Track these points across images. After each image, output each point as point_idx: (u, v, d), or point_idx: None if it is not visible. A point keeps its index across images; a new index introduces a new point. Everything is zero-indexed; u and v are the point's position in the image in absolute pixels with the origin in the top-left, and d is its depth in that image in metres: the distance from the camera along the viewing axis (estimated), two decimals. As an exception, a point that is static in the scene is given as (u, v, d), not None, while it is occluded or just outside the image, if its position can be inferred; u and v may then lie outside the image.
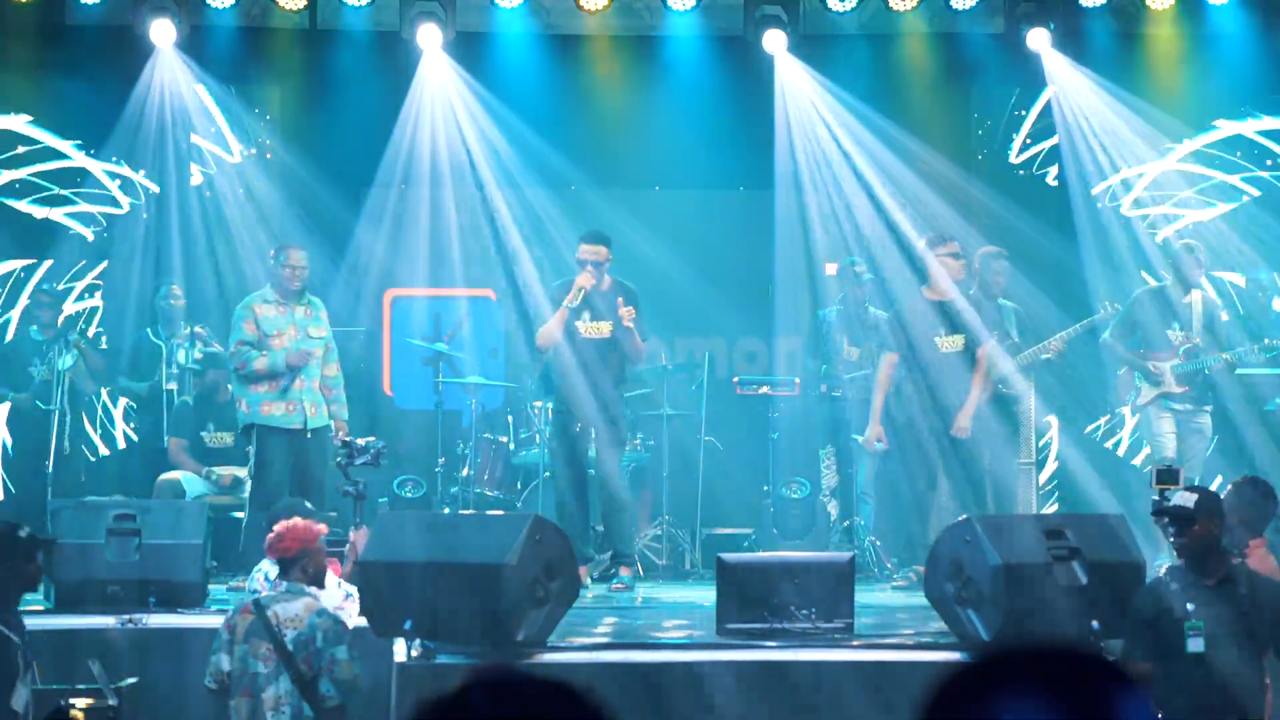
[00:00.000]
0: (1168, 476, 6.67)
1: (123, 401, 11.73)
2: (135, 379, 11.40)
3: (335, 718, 6.65)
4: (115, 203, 11.91)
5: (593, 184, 11.94)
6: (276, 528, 6.95)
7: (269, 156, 12.09)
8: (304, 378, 10.02)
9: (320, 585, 6.96)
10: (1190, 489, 6.39)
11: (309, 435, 9.97)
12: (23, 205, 11.79)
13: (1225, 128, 11.92)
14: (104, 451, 11.71)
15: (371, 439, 8.49)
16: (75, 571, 8.35)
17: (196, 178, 12.00)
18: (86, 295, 11.91)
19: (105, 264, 11.89)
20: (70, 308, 11.69)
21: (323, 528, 7.07)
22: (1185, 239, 11.03)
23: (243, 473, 10.64)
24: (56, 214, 11.86)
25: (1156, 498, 6.59)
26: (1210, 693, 6.05)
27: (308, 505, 8.28)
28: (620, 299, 9.89)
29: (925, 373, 10.01)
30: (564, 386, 10.02)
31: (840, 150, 11.79)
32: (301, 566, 6.80)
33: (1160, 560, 9.74)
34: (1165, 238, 11.53)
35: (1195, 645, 6.06)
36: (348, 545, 8.06)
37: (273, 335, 10.01)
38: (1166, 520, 6.28)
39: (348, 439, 8.46)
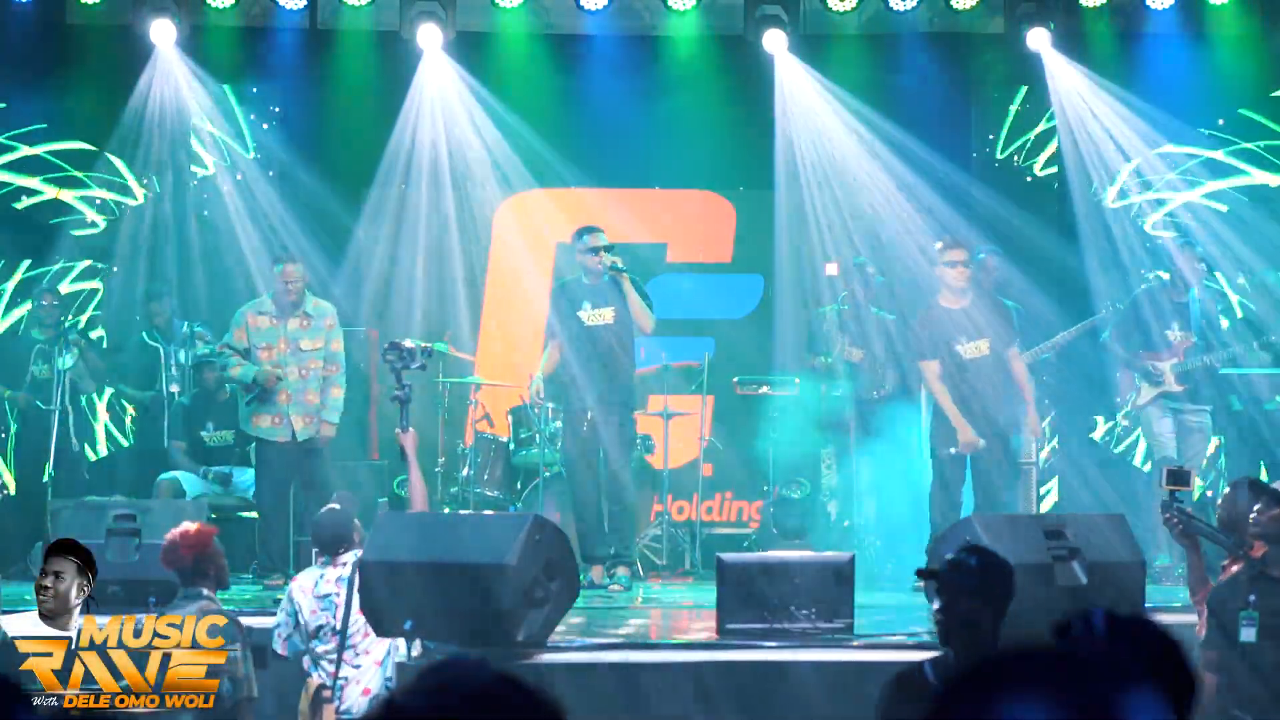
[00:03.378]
0: (1178, 477, 6.65)
1: (124, 402, 11.73)
2: (135, 384, 11.39)
3: (237, 715, 6.61)
4: (130, 192, 11.89)
5: (593, 184, 11.94)
6: (168, 537, 6.82)
7: (269, 156, 12.08)
8: (290, 391, 10.19)
9: (224, 585, 6.93)
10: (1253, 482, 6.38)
11: (301, 446, 10.15)
12: (35, 182, 11.79)
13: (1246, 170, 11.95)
14: (104, 451, 11.71)
15: (411, 343, 8.52)
16: (75, 571, 8.35)
17: (196, 177, 12.00)
18: (86, 304, 11.91)
19: (104, 264, 11.89)
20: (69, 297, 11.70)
21: (213, 529, 6.99)
22: (1183, 237, 11.02)
23: (240, 473, 10.66)
24: (67, 195, 11.85)
25: (1166, 498, 6.57)
26: (1257, 684, 6.03)
27: (334, 505, 8.28)
28: (598, 305, 9.96)
29: (955, 379, 9.91)
30: (573, 386, 10.04)
31: (840, 150, 11.79)
32: (201, 572, 6.71)
33: (1160, 560, 9.76)
34: (1166, 237, 11.52)
35: (1247, 635, 6.02)
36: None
37: (261, 347, 10.22)
38: (1262, 499, 6.20)
39: (396, 341, 8.50)
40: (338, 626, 7.31)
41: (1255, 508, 6.17)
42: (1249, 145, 11.88)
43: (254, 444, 10.36)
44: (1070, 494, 11.33)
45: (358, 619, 7.33)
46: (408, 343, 8.34)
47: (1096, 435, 11.86)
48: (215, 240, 11.91)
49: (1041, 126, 12.18)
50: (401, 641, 7.32)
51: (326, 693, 7.31)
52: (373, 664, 7.36)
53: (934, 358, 9.87)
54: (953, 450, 9.75)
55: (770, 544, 10.75)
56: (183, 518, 8.64)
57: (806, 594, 7.59)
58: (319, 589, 7.46)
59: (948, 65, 12.11)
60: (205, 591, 6.71)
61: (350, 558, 7.48)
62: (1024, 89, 12.14)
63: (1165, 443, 10.41)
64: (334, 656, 7.34)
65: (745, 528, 11.47)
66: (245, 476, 10.69)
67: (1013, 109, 12.28)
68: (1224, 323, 10.95)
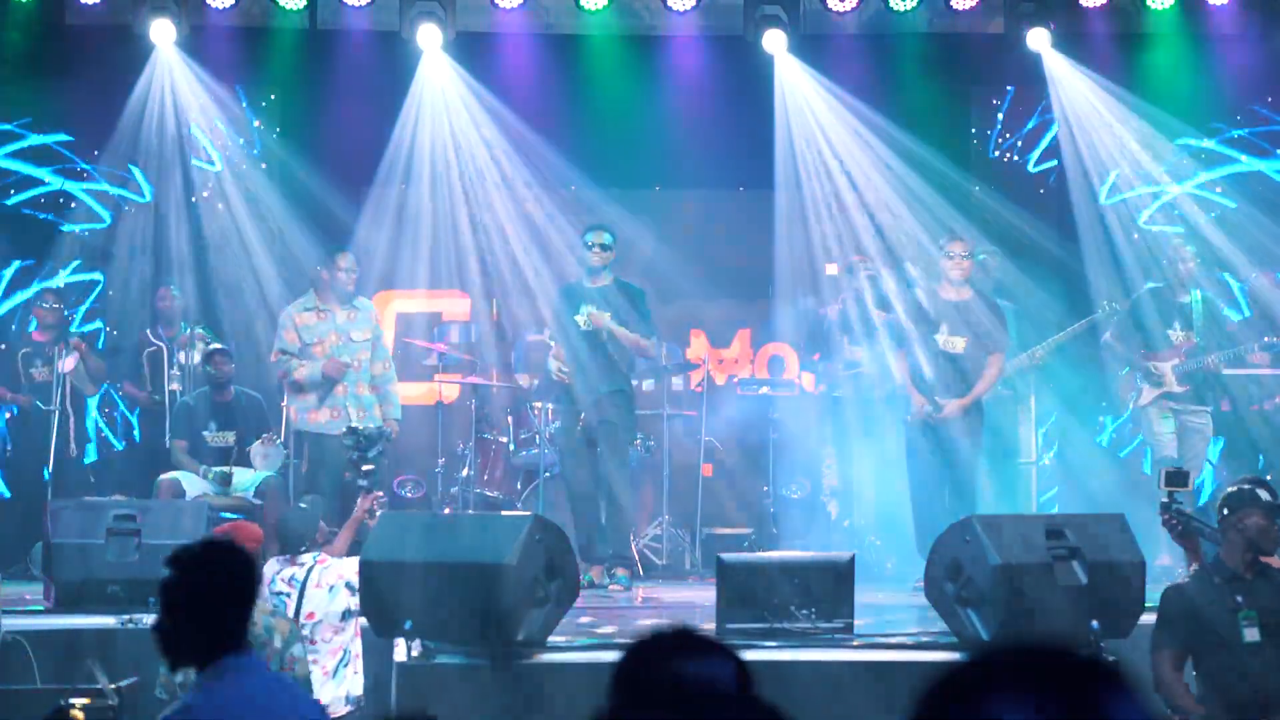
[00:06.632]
0: (1177, 479, 6.65)
1: (125, 402, 11.73)
2: (139, 382, 11.39)
3: None
4: (99, 219, 11.93)
5: (593, 184, 11.94)
6: (223, 529, 6.83)
7: (269, 156, 12.08)
8: (346, 384, 10.41)
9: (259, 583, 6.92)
10: (1260, 483, 6.37)
11: None
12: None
13: (1245, 160, 11.95)
14: (104, 451, 11.70)
15: (373, 427, 8.66)
16: (75, 571, 8.36)
17: (196, 177, 12.00)
18: (89, 319, 11.91)
19: (104, 276, 11.90)
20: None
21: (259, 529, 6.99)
22: (1177, 238, 11.03)
23: (241, 473, 10.65)
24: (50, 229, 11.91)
25: (1165, 500, 6.57)
26: (1267, 681, 6.05)
27: (302, 505, 8.28)
28: (598, 308, 9.93)
29: (925, 369, 9.97)
30: (572, 388, 10.03)
31: (840, 150, 11.78)
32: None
33: (1161, 560, 9.76)
34: (1168, 237, 11.51)
35: (1252, 635, 6.05)
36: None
37: (313, 343, 10.44)
38: (1236, 503, 6.21)
39: (355, 426, 8.63)
40: None
41: (1233, 519, 6.16)
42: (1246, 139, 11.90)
43: (306, 443, 10.50)
44: (1071, 494, 11.32)
45: (306, 622, 7.26)
46: (368, 430, 8.43)
47: (1100, 436, 11.85)
48: (215, 240, 11.90)
49: (1041, 126, 12.18)
50: (357, 646, 7.33)
51: None
52: (321, 672, 7.22)
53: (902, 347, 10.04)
54: (908, 419, 9.94)
55: (770, 544, 10.74)
56: (182, 518, 8.67)
57: (806, 594, 7.59)
58: (273, 585, 7.41)
59: (948, 65, 12.11)
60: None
61: (308, 559, 7.46)
62: (1023, 89, 12.14)
63: (1165, 443, 10.41)
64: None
65: (745, 528, 11.46)
66: (245, 477, 10.68)
67: (1012, 109, 12.28)
68: (1228, 325, 10.94)
